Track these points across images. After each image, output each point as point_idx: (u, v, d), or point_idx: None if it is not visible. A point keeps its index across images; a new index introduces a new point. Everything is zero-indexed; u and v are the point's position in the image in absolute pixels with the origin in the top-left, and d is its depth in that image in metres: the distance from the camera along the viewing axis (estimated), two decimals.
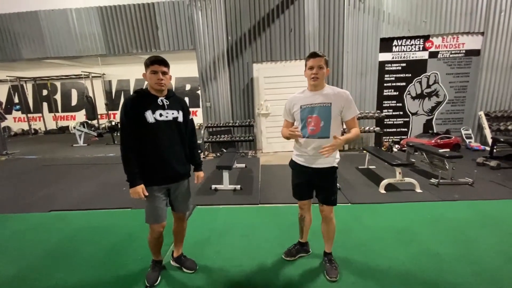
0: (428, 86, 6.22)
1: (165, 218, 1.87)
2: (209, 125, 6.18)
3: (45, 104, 11.82)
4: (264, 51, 6.01)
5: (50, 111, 11.86)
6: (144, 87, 1.84)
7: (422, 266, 2.07)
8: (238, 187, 3.82)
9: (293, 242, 2.30)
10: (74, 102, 11.74)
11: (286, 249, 2.25)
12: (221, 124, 6.11)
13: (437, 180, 3.79)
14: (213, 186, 3.84)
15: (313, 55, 1.79)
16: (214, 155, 6.11)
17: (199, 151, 2.13)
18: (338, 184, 3.64)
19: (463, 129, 6.21)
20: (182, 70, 10.07)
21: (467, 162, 4.81)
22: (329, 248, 2.10)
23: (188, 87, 11.11)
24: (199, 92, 8.92)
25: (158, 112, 1.72)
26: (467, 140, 6.05)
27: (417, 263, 2.10)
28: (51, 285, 2.00)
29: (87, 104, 10.44)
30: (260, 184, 4.09)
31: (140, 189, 1.70)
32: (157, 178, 1.79)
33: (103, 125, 10.72)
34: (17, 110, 11.47)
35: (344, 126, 1.96)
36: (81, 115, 11.21)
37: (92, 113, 10.58)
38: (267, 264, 2.16)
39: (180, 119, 1.83)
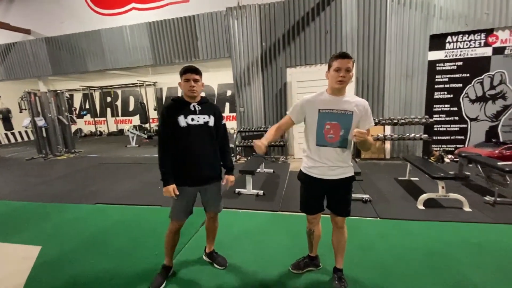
0: (492, 87, 5.34)
1: (185, 218, 1.99)
2: (242, 129, 6.30)
3: (108, 110, 13.56)
4: (298, 55, 5.92)
5: (112, 115, 13.54)
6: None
7: None
8: (261, 192, 3.81)
9: (305, 253, 2.18)
10: (131, 107, 13.21)
11: (294, 261, 2.16)
12: (254, 129, 6.18)
13: (493, 198, 3.20)
14: (237, 190, 3.90)
15: (342, 55, 1.61)
16: (246, 159, 6.20)
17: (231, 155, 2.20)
18: (368, 196, 3.43)
19: None
20: (224, 77, 10.53)
21: None
22: (339, 264, 1.95)
23: (229, 93, 11.53)
24: None
25: (190, 117, 1.85)
26: None
27: None
28: (82, 269, 2.28)
29: (141, 109, 11.65)
30: (284, 191, 4.00)
31: (172, 188, 1.84)
32: (188, 179, 1.90)
33: (153, 129, 11.82)
34: (84, 115, 13.38)
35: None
36: (136, 119, 12.57)
37: (144, 117, 11.75)
38: (273, 275, 2.09)
39: (211, 123, 1.92)
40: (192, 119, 1.85)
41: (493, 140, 5.38)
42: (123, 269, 2.24)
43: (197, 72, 1.86)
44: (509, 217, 2.86)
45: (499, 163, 3.34)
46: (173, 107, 1.87)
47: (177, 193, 1.86)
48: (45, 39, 8.10)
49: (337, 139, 1.69)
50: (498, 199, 3.19)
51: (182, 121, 1.82)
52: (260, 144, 1.68)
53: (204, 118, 1.89)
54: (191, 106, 1.88)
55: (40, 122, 7.23)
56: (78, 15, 8.06)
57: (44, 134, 7.55)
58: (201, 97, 1.97)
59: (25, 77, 8.74)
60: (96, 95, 13.45)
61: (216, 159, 2.02)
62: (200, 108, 1.90)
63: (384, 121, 5.30)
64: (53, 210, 3.64)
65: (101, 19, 7.73)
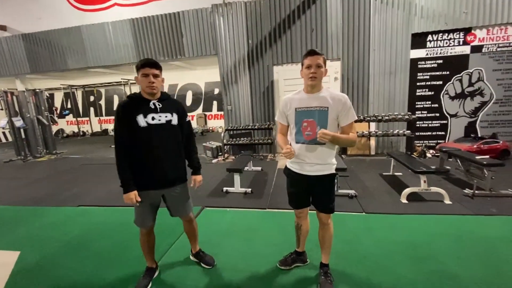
0: (471, 84, 5.55)
1: (151, 223, 1.91)
2: (230, 127, 6.27)
3: (92, 109, 13.14)
4: (284, 53, 5.93)
5: (96, 115, 13.14)
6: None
7: None
8: (249, 190, 3.80)
9: (293, 250, 2.19)
10: (115, 106, 12.85)
11: (282, 257, 2.17)
12: (241, 127, 6.16)
13: (471, 191, 3.34)
14: (225, 189, 3.87)
15: (311, 52, 1.65)
16: (234, 157, 6.17)
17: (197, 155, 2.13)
18: (354, 191, 3.50)
19: None
20: (211, 75, 10.44)
21: None
22: (326, 259, 1.97)
23: (216, 91, 11.45)
24: None
25: (150, 116, 1.71)
26: None
27: (429, 284, 1.86)
28: (62, 274, 2.19)
29: None
30: (272, 188, 4.01)
31: (133, 195, 1.72)
32: (150, 183, 1.78)
33: None
34: (66, 114, 12.92)
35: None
36: None
37: None
38: (260, 271, 2.09)
39: (174, 122, 1.80)
40: (153, 118, 1.71)
41: (472, 135, 5.60)
42: (106, 273, 2.17)
43: (157, 66, 1.71)
44: (487, 209, 2.99)
45: (477, 157, 3.49)
46: (130, 105, 1.70)
47: (139, 199, 1.73)
48: (22, 35, 7.73)
49: (314, 136, 1.68)
50: (476, 191, 3.32)
51: (142, 120, 1.68)
52: (288, 150, 1.69)
53: (166, 116, 1.76)
54: (151, 103, 1.73)
55: (18, 122, 6.91)
56: (56, 11, 7.74)
57: (23, 135, 7.23)
58: (162, 93, 1.81)
59: (1, 75, 8.31)
60: (79, 94, 13.02)
61: (181, 160, 1.91)
62: (161, 105, 1.76)
63: (369, 118, 5.41)
64: (32, 213, 3.50)
65: (81, 15, 7.45)
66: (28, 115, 7.12)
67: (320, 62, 1.64)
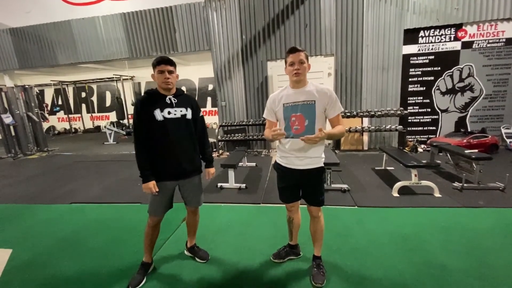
0: (461, 80, 5.65)
1: (162, 213, 1.96)
2: (224, 124, 6.26)
3: (83, 106, 12.93)
4: (278, 48, 5.93)
5: (88, 111, 12.94)
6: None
7: (421, 278, 1.88)
8: (243, 185, 3.82)
9: (286, 243, 2.23)
10: (108, 103, 12.67)
11: (275, 251, 2.20)
12: (235, 123, 6.16)
13: (460, 184, 3.42)
14: (219, 184, 3.88)
15: (293, 50, 1.70)
16: (228, 153, 6.17)
17: (211, 149, 2.18)
18: (347, 186, 3.55)
19: (503, 127, 5.54)
20: (205, 70, 10.34)
21: (504, 165, 4.29)
22: (318, 252, 2.00)
23: (210, 87, 11.37)
24: None
25: (166, 110, 1.79)
26: (508, 140, 5.38)
27: (417, 274, 1.92)
28: (55, 271, 2.18)
29: (117, 105, 11.21)
30: (266, 183, 4.04)
31: (152, 185, 1.79)
32: (167, 174, 1.86)
33: (131, 125, 11.45)
34: (57, 111, 12.70)
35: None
36: (114, 115, 12.09)
37: (121, 113, 11.33)
38: (254, 265, 2.12)
39: (189, 116, 1.88)
40: (169, 113, 1.80)
41: (461, 130, 5.72)
42: (100, 269, 2.17)
43: (172, 63, 1.80)
44: (475, 202, 3.07)
45: (467, 151, 3.57)
46: (147, 100, 1.80)
47: (157, 189, 1.82)
48: (10, 30, 7.51)
49: (303, 130, 1.72)
50: (465, 185, 3.41)
51: (158, 114, 1.77)
52: (278, 130, 1.66)
53: (181, 111, 1.85)
54: (167, 99, 1.82)
55: (8, 119, 6.77)
56: (45, 4, 7.56)
57: (13, 132, 7.08)
58: (177, 89, 1.91)
59: None
60: (70, 90, 12.77)
61: (195, 152, 1.99)
62: (176, 100, 1.85)
63: (362, 114, 5.47)
64: (24, 211, 3.46)
65: (71, 9, 7.29)
66: (18, 111, 6.98)
67: (302, 58, 1.68)
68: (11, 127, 7.00)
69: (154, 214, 1.94)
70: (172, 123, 1.81)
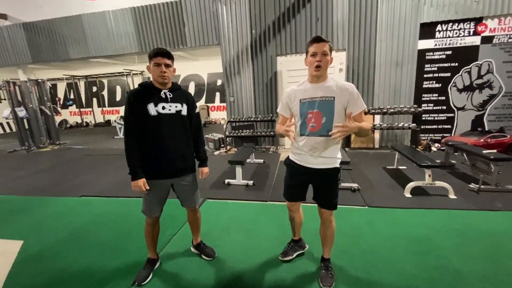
0: (480, 76, 5.40)
1: (158, 212, 1.92)
2: (232, 119, 6.22)
3: (94, 100, 13.14)
4: (288, 43, 5.80)
5: (99, 106, 13.15)
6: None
7: (434, 283, 1.80)
8: (250, 182, 3.78)
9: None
10: (118, 97, 12.83)
11: (282, 250, 2.15)
12: (244, 119, 6.10)
13: (477, 186, 3.28)
14: (226, 181, 3.86)
15: (317, 39, 1.56)
16: (236, 149, 6.14)
17: (204, 146, 2.12)
18: (357, 185, 3.45)
19: None
20: (214, 65, 10.31)
21: None
22: (327, 254, 1.95)
23: (219, 82, 11.34)
24: None
25: (160, 105, 1.72)
26: None
27: (430, 279, 1.84)
28: (64, 264, 2.20)
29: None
30: (274, 181, 3.99)
31: (142, 182, 1.72)
32: (159, 172, 1.79)
33: None
34: (70, 105, 12.96)
35: None
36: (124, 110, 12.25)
37: None
38: (261, 264, 2.09)
39: (184, 112, 1.81)
40: (163, 108, 1.72)
41: (478, 129, 5.49)
42: (107, 263, 2.18)
43: (169, 56, 1.72)
44: (492, 204, 2.93)
45: (484, 152, 3.41)
46: (141, 93, 1.72)
47: (148, 187, 1.74)
48: (23, 24, 7.64)
49: (319, 128, 1.63)
50: (482, 186, 3.26)
51: (152, 109, 1.69)
52: (289, 129, 1.60)
53: (176, 106, 1.77)
54: (162, 93, 1.73)
55: (21, 112, 6.93)
56: None
57: (26, 126, 7.26)
58: (172, 83, 1.83)
59: (2, 65, 8.28)
60: (81, 85, 13.00)
61: (189, 150, 1.91)
62: (171, 95, 1.76)
63: (373, 111, 5.31)
64: (35, 203, 3.52)
65: (82, 3, 7.32)
66: (31, 105, 7.13)
67: (326, 50, 1.56)
68: (25, 120, 7.17)
69: (149, 214, 1.89)
70: (166, 119, 1.73)
